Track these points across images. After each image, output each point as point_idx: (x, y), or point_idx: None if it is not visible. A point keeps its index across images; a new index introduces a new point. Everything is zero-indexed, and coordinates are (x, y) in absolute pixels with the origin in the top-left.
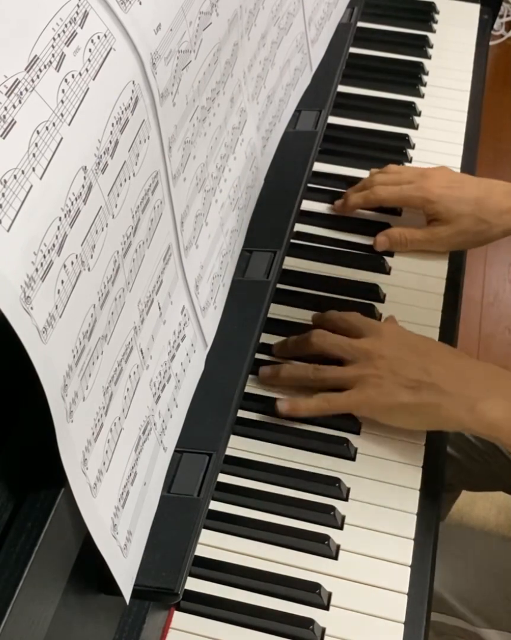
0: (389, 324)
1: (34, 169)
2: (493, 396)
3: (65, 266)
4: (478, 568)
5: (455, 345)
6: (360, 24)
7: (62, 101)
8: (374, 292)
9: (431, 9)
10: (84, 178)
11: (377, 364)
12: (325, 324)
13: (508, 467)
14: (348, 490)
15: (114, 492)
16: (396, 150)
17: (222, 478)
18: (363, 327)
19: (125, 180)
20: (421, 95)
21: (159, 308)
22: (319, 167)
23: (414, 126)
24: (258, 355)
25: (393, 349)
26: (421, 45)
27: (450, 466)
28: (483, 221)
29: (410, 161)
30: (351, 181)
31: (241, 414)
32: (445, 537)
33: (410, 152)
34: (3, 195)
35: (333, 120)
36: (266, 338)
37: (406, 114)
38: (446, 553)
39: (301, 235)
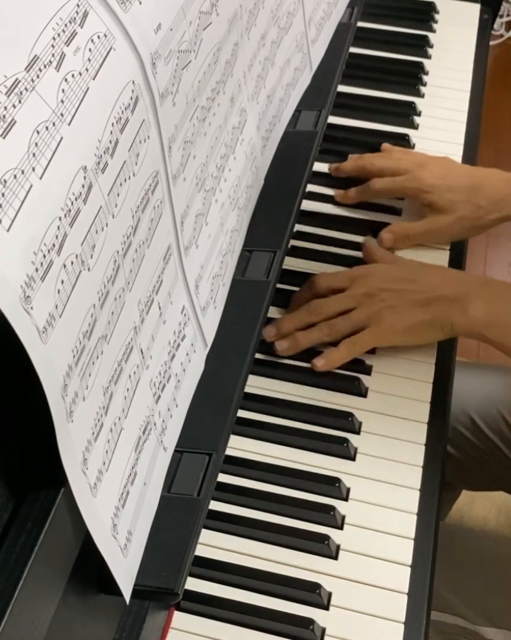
0: (366, 266)
1: (34, 169)
2: (479, 299)
3: (65, 266)
4: (478, 566)
5: (455, 345)
6: (360, 24)
7: (62, 101)
8: None
9: (431, 9)
10: (84, 178)
11: (381, 297)
12: (316, 289)
13: (508, 467)
14: (348, 490)
15: (114, 492)
16: None
17: (222, 478)
18: (342, 280)
19: (125, 180)
20: (421, 95)
21: (159, 308)
22: (319, 167)
23: (414, 126)
24: (258, 355)
25: (387, 282)
26: (421, 45)
27: (450, 466)
28: (480, 207)
29: None
30: (351, 182)
31: (241, 414)
32: (445, 537)
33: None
34: (3, 195)
35: (333, 120)
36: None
37: (406, 114)
38: (446, 552)
39: (301, 235)
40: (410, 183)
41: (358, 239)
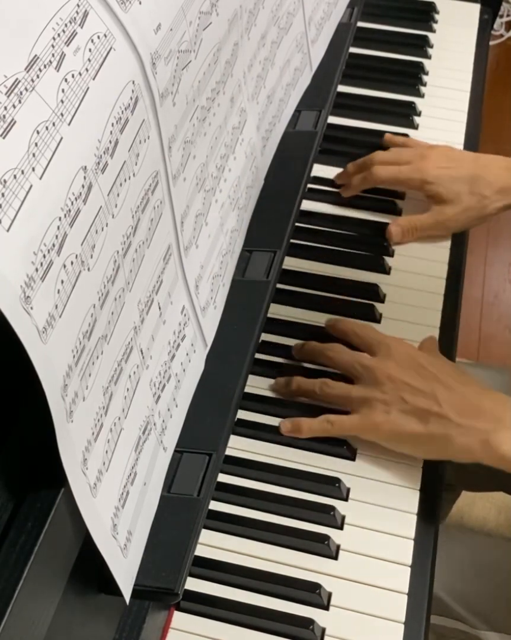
0: (400, 343)
1: (33, 169)
2: (505, 428)
3: (65, 266)
4: (478, 570)
5: (455, 345)
6: (360, 24)
7: (62, 101)
8: (374, 292)
9: (431, 9)
10: (84, 178)
11: (384, 388)
12: (337, 334)
13: None
14: (348, 490)
15: (114, 492)
16: None
17: (222, 478)
18: (374, 343)
19: (125, 180)
20: (421, 95)
21: (159, 308)
22: (319, 167)
23: (414, 126)
24: (258, 355)
25: (401, 372)
26: (421, 45)
27: (450, 466)
28: (484, 197)
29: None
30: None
31: (241, 414)
32: (445, 539)
33: None
34: (3, 195)
35: (333, 120)
36: (266, 338)
37: (406, 114)
38: (446, 555)
39: (301, 235)
40: (414, 174)
41: (358, 238)
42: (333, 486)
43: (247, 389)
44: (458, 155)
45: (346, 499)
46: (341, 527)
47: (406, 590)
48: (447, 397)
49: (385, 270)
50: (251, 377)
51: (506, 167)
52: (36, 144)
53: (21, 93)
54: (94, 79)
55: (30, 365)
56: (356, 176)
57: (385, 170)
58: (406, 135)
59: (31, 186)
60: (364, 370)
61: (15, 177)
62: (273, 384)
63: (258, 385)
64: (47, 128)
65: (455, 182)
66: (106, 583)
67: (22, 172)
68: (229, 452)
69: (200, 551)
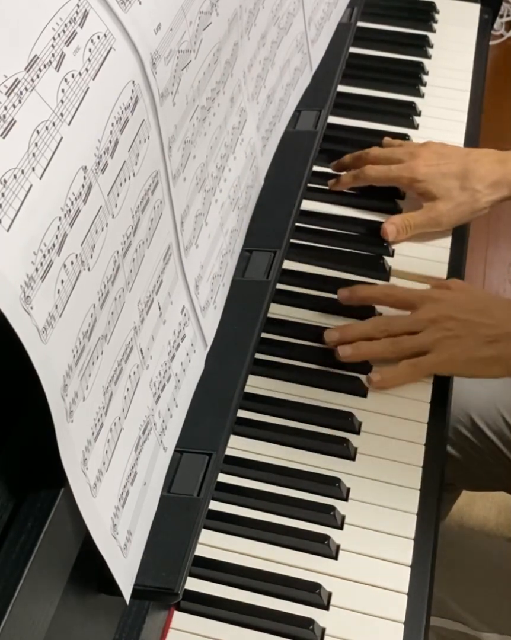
0: (439, 290)
1: (33, 169)
2: None
3: (65, 266)
4: (479, 571)
5: None
6: (360, 24)
7: (62, 101)
8: None
9: (431, 8)
10: (84, 178)
11: (448, 325)
12: (361, 301)
13: (508, 467)
14: (348, 490)
15: (114, 492)
16: None
17: (222, 478)
18: (414, 298)
19: (125, 180)
20: (421, 95)
21: (159, 308)
22: (319, 167)
23: (414, 126)
24: (258, 355)
25: (457, 311)
26: (421, 45)
27: (450, 466)
28: (476, 191)
29: None
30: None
31: (241, 414)
32: (445, 541)
33: None
34: (3, 195)
35: (333, 120)
36: (267, 337)
37: (406, 114)
38: (446, 556)
39: (301, 235)
40: (404, 172)
41: (359, 238)
42: (333, 486)
43: (247, 389)
44: (450, 151)
45: (346, 499)
46: (341, 527)
47: (406, 590)
48: (506, 317)
49: (385, 270)
50: (251, 377)
51: (497, 160)
52: (36, 144)
53: (21, 93)
54: (94, 79)
55: (30, 365)
56: (346, 174)
57: (375, 169)
58: (406, 135)
59: (31, 186)
60: (424, 322)
61: (15, 177)
62: (340, 356)
63: (258, 385)
64: (47, 128)
65: (444, 178)
66: (106, 583)
67: (22, 172)
68: (229, 452)
69: (200, 551)
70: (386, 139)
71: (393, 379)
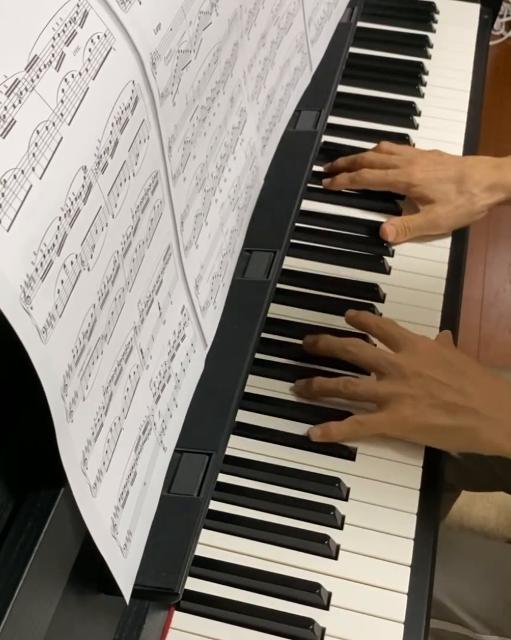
0: (426, 340)
1: (33, 169)
2: None
3: (65, 266)
4: (478, 573)
5: (455, 345)
6: (360, 24)
7: (62, 101)
8: (374, 292)
9: (431, 9)
10: (84, 178)
11: (411, 382)
12: (357, 326)
13: (507, 467)
14: (348, 490)
15: (114, 492)
16: None
17: (222, 478)
18: (399, 338)
19: (125, 180)
20: (421, 95)
21: (159, 308)
22: (319, 167)
23: (414, 126)
24: (258, 355)
25: (429, 367)
26: (421, 45)
27: (450, 466)
28: (472, 194)
29: None
30: None
31: (241, 414)
32: (444, 542)
33: None
34: (3, 195)
35: (333, 120)
36: (266, 338)
37: (406, 114)
38: (445, 558)
39: (301, 235)
40: (400, 177)
41: (359, 238)
42: (333, 486)
43: (247, 389)
44: (446, 159)
45: (346, 499)
46: (341, 527)
47: (406, 590)
48: (474, 390)
49: (385, 270)
50: (251, 377)
51: (492, 165)
52: (36, 144)
53: (21, 93)
54: (94, 79)
55: (30, 365)
56: (343, 175)
57: (372, 173)
58: (406, 135)
59: (31, 186)
60: (391, 366)
61: (15, 177)
62: (293, 388)
63: (258, 385)
64: (47, 128)
65: (441, 183)
66: (106, 583)
67: (22, 172)
68: (229, 452)
69: (200, 551)
70: (383, 144)
71: (337, 434)
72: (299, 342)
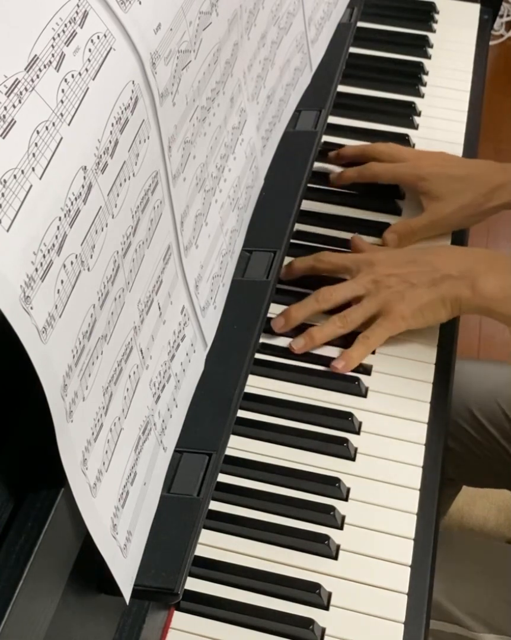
0: (374, 251)
1: (33, 169)
2: (486, 274)
3: (65, 266)
4: (475, 573)
5: (455, 345)
6: (360, 24)
7: (62, 101)
8: None
9: (431, 9)
10: (84, 178)
11: (389, 282)
12: (303, 273)
13: (508, 463)
14: (348, 490)
15: (114, 492)
16: None
17: (222, 478)
18: (348, 263)
19: (125, 180)
20: (421, 95)
21: (159, 308)
22: (319, 167)
23: (414, 126)
24: (258, 355)
25: (395, 266)
26: (421, 45)
27: (450, 461)
28: (479, 195)
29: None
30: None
31: (241, 414)
32: (444, 542)
33: None
34: (3, 195)
35: (333, 120)
36: (266, 338)
37: (406, 114)
38: (445, 559)
39: (301, 235)
40: (409, 170)
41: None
42: (333, 486)
43: (247, 389)
44: (454, 158)
45: (346, 499)
46: (341, 527)
47: (406, 590)
48: (442, 260)
49: None
50: (251, 377)
51: (500, 168)
52: (36, 144)
53: (21, 93)
54: (94, 79)
55: (30, 365)
56: (351, 168)
57: (381, 166)
58: (406, 135)
59: (31, 186)
60: (366, 284)
61: (15, 177)
62: (291, 344)
63: (258, 385)
64: (47, 128)
65: (449, 180)
66: (106, 583)
67: (22, 172)
68: (229, 452)
69: (200, 551)
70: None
71: (354, 359)
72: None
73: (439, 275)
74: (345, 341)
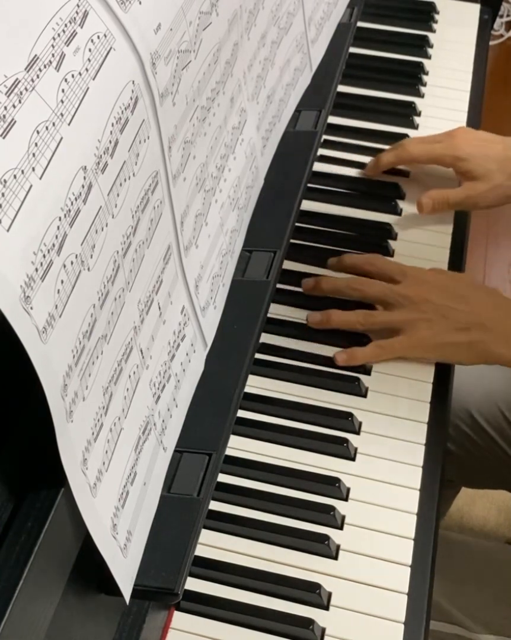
0: (422, 269)
1: (33, 169)
2: None
3: (65, 266)
4: (475, 574)
5: None
6: (360, 24)
7: (62, 101)
8: None
9: (431, 9)
10: (84, 178)
11: (423, 308)
12: (346, 269)
13: (508, 464)
14: (348, 490)
15: (114, 492)
16: None
17: (222, 478)
18: (396, 271)
19: (125, 180)
20: (421, 95)
21: (159, 308)
22: (319, 167)
23: (414, 126)
24: (258, 355)
25: (435, 293)
26: (421, 45)
27: (449, 463)
28: None
29: None
30: (351, 181)
31: (241, 414)
32: (442, 543)
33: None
34: (3, 195)
35: (333, 120)
36: (266, 338)
37: (406, 114)
38: (444, 560)
39: (301, 235)
40: (447, 151)
41: (359, 238)
42: (333, 486)
43: (247, 389)
44: (487, 136)
45: (346, 499)
46: (341, 527)
47: (406, 590)
48: (480, 308)
49: None
50: (251, 377)
51: None
52: (36, 144)
53: (21, 93)
54: (94, 79)
55: (30, 365)
56: (387, 153)
57: (418, 147)
58: (406, 135)
59: (31, 186)
60: (400, 297)
61: (15, 177)
62: (308, 317)
63: (258, 385)
64: (47, 128)
65: (486, 159)
66: (106, 583)
67: (22, 172)
68: (229, 452)
69: (200, 551)
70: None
71: (362, 358)
72: (300, 342)
73: (475, 320)
74: (348, 345)
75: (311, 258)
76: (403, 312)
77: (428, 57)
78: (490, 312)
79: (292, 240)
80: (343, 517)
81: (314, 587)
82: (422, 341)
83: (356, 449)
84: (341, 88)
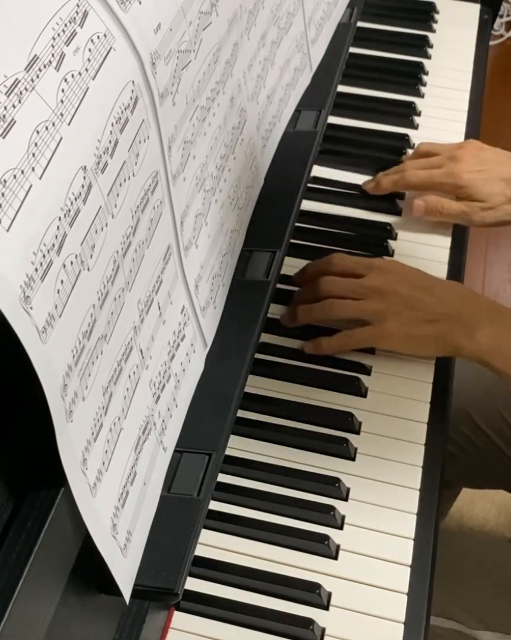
0: (386, 260)
1: (33, 169)
2: (487, 326)
3: (64, 266)
4: (476, 570)
5: None
6: (360, 24)
7: (61, 101)
8: None
9: (431, 9)
10: (84, 178)
11: (391, 299)
12: (314, 275)
13: (507, 465)
14: (348, 490)
15: (114, 492)
16: (396, 150)
17: (222, 478)
18: (360, 266)
19: (125, 180)
20: (421, 95)
21: (159, 308)
22: (319, 167)
23: (414, 126)
24: (258, 355)
25: (402, 285)
26: (421, 45)
27: (449, 463)
28: None
29: None
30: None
31: (241, 414)
32: (444, 540)
33: (410, 152)
34: (3, 195)
35: (333, 120)
36: (266, 338)
37: (406, 114)
38: (444, 556)
39: (301, 235)
40: (447, 179)
41: (359, 238)
42: (333, 486)
43: (247, 389)
44: (489, 157)
45: (346, 499)
46: (341, 527)
47: (406, 590)
48: (450, 300)
49: None
50: (251, 377)
51: None
52: (36, 144)
53: (21, 93)
54: (93, 79)
55: (30, 365)
56: (387, 178)
57: (417, 175)
58: (406, 135)
59: (31, 186)
60: (368, 290)
61: (15, 177)
62: (282, 316)
63: (258, 385)
64: (47, 128)
65: (486, 184)
66: (106, 583)
67: (22, 172)
68: (229, 452)
69: (200, 551)
70: (422, 145)
71: (323, 348)
72: (299, 342)
73: (442, 312)
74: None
75: (311, 258)
76: (372, 302)
77: (428, 57)
78: (455, 302)
79: (292, 240)
80: (343, 517)
81: (314, 587)
82: (390, 332)
83: (356, 449)
84: (341, 88)
